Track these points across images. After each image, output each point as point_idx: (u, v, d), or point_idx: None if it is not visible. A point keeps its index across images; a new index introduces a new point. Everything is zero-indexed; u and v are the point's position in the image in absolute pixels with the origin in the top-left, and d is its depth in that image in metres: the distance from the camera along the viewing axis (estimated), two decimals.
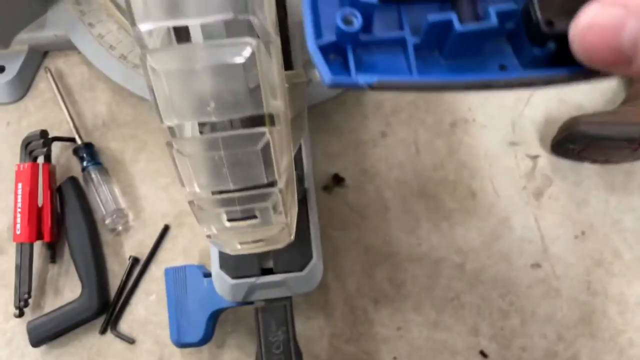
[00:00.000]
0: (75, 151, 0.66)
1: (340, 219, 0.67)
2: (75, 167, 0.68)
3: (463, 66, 0.24)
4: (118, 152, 0.68)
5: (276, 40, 0.33)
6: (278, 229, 0.36)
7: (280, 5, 0.53)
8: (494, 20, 0.22)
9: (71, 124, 0.68)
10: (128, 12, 0.25)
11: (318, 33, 0.23)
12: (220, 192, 0.33)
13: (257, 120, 0.31)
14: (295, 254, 0.55)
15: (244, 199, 0.32)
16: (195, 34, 0.30)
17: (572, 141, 0.64)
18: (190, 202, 0.32)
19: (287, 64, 0.54)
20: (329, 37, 0.23)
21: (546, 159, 0.69)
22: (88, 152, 0.66)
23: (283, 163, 0.33)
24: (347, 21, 0.22)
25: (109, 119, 0.70)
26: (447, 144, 0.70)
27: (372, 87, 0.22)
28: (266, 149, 0.29)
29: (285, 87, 0.43)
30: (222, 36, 0.30)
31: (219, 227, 0.34)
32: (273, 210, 0.34)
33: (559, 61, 0.23)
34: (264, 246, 0.39)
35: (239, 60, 0.26)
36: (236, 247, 0.37)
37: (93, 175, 0.65)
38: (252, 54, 0.26)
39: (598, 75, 0.22)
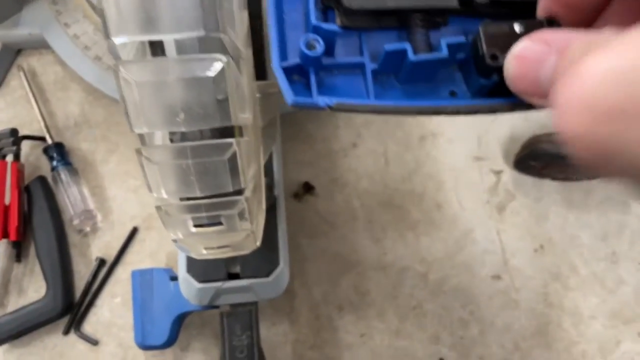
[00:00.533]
0: (45, 150, 0.66)
1: (309, 227, 0.68)
2: (45, 167, 0.67)
3: (417, 91, 0.25)
4: (89, 153, 0.68)
5: (247, 55, 0.34)
6: (244, 235, 0.37)
7: (256, 17, 0.54)
8: (444, 52, 0.24)
9: (42, 123, 0.67)
10: (102, 24, 0.26)
11: (283, 55, 0.24)
12: (188, 199, 0.34)
13: (225, 132, 0.32)
14: (262, 260, 0.56)
15: (210, 206, 0.33)
16: (170, 49, 0.31)
17: (534, 158, 0.66)
18: (158, 208, 0.33)
19: (261, 73, 0.55)
20: (294, 59, 0.24)
21: (509, 175, 0.71)
22: (58, 152, 0.66)
23: (250, 172, 0.34)
24: (310, 46, 0.23)
25: (81, 119, 0.69)
26: (415, 157, 0.72)
27: (331, 108, 0.23)
28: (233, 159, 0.30)
29: (257, 97, 0.44)
30: (195, 51, 0.31)
31: (185, 232, 0.35)
32: (239, 218, 0.35)
33: (503, 92, 0.25)
34: (230, 252, 0.40)
35: (209, 74, 0.27)
36: (201, 252, 0.38)
37: (62, 175, 0.65)
38: (222, 69, 0.27)
39: (532, 107, 0.24)
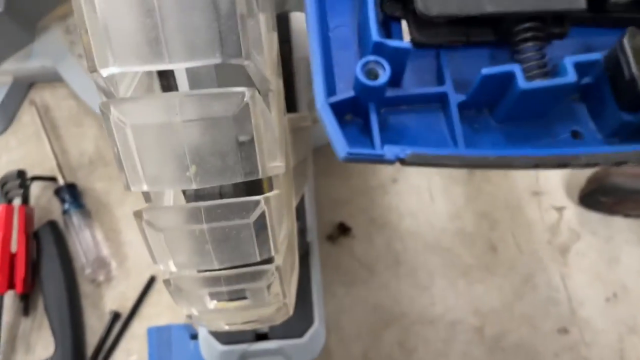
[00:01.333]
0: (57, 192, 0.61)
1: (345, 273, 0.60)
2: (56, 210, 0.62)
3: (522, 133, 0.18)
4: (103, 194, 0.62)
5: (277, 86, 0.27)
6: (274, 308, 0.30)
7: (284, 40, 0.48)
8: (571, 75, 0.16)
9: (54, 162, 0.62)
10: (86, 52, 0.20)
11: (331, 87, 0.17)
12: (204, 270, 0.26)
13: (251, 185, 0.25)
14: (295, 318, 0.49)
15: (232, 279, 0.26)
16: (181, 82, 0.25)
17: (604, 194, 0.58)
18: (166, 281, 0.26)
19: (291, 105, 0.48)
20: (345, 92, 0.17)
21: (573, 211, 0.63)
22: (70, 194, 0.60)
23: (282, 232, 0.27)
24: (370, 73, 0.16)
25: (96, 156, 0.64)
26: (464, 191, 0.64)
27: (403, 162, 0.16)
28: (261, 221, 0.23)
29: (288, 136, 0.38)
30: (213, 84, 0.24)
31: (202, 309, 0.28)
32: (268, 290, 0.27)
33: None
34: (257, 325, 0.32)
35: (228, 113, 0.20)
36: (223, 327, 0.31)
37: (74, 219, 0.59)
38: (246, 105, 0.20)
39: None
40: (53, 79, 0.65)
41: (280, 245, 0.27)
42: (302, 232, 0.50)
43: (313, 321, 0.49)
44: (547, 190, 0.63)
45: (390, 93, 0.18)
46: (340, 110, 0.17)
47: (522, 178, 0.64)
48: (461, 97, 0.18)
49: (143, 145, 0.21)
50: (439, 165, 0.16)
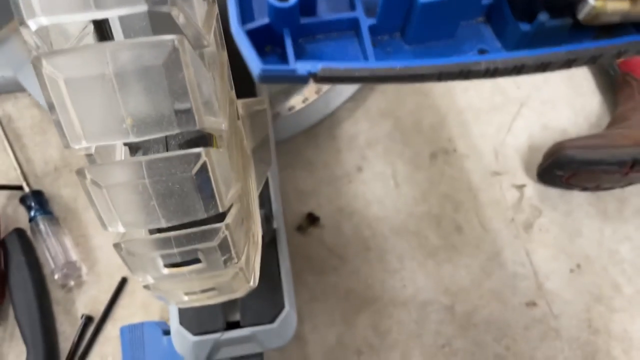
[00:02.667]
0: (22, 200, 0.60)
1: (316, 261, 0.61)
2: (23, 218, 0.61)
3: (432, 53, 0.19)
4: (70, 200, 0.62)
5: (218, 52, 0.28)
6: (231, 274, 0.31)
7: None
8: None
9: (19, 171, 0.62)
10: (13, 6, 0.20)
11: (248, 16, 0.18)
12: (153, 232, 0.27)
13: (196, 142, 0.26)
14: (265, 304, 0.49)
15: (181, 239, 0.27)
16: (117, 33, 0.26)
17: (560, 167, 0.59)
18: (116, 245, 0.26)
19: (250, 91, 0.49)
20: (261, 20, 0.18)
21: (533, 188, 0.64)
22: (36, 201, 0.60)
23: (230, 192, 0.28)
24: None
25: (61, 163, 0.64)
26: (427, 176, 0.65)
27: (315, 77, 0.17)
28: (203, 173, 0.24)
29: (241, 113, 0.39)
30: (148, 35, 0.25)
31: (156, 274, 0.28)
32: (220, 252, 0.28)
33: (551, 37, 0.19)
34: (217, 296, 0.33)
35: (157, 60, 0.21)
36: (182, 299, 0.32)
37: (41, 226, 0.59)
38: (175, 52, 0.21)
39: (595, 58, 0.18)
40: (14, 89, 0.65)
41: (229, 204, 0.28)
42: (267, 219, 0.51)
43: (284, 306, 0.49)
44: (507, 170, 0.65)
45: (304, 21, 0.19)
46: (259, 40, 0.18)
47: (482, 159, 0.66)
48: (372, 21, 0.19)
49: (78, 98, 0.21)
50: (350, 79, 0.17)
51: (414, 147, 0.67)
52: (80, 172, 0.23)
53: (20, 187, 0.62)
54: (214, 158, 0.25)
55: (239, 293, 0.35)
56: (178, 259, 0.28)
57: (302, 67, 0.17)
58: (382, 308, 0.59)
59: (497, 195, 0.64)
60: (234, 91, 0.35)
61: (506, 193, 0.64)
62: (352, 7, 0.19)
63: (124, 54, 0.20)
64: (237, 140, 0.33)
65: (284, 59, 0.18)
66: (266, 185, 0.53)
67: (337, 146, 0.66)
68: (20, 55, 0.63)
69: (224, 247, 0.28)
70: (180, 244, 0.27)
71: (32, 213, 0.59)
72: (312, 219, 0.62)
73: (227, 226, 0.27)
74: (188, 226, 0.27)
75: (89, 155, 0.25)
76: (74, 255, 0.59)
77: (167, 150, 0.26)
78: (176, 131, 0.22)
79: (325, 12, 0.19)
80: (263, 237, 0.44)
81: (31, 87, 0.63)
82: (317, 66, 0.17)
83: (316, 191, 0.64)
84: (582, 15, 0.17)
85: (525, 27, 0.18)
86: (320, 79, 0.17)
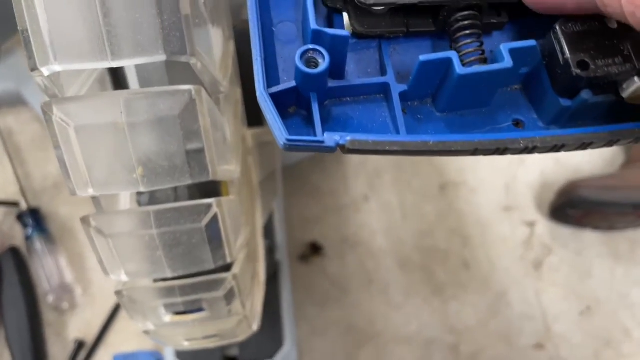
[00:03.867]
0: (20, 217, 0.59)
1: (318, 293, 0.59)
2: (19, 235, 0.60)
3: (465, 122, 0.18)
4: (67, 218, 0.61)
5: (234, 93, 0.27)
6: (235, 322, 0.29)
7: (248, 54, 0.48)
8: (507, 61, 0.16)
9: (17, 186, 0.60)
10: (27, 50, 0.19)
11: (274, 79, 0.17)
12: (157, 280, 0.26)
13: (206, 190, 0.25)
14: (265, 340, 0.48)
15: (187, 289, 0.25)
16: (132, 81, 0.24)
17: (573, 207, 0.58)
18: (118, 293, 0.25)
19: (257, 119, 0.48)
20: (287, 83, 0.17)
21: (544, 226, 0.63)
22: (33, 218, 0.58)
23: (240, 240, 0.26)
24: (309, 62, 0.16)
25: (60, 180, 0.62)
26: (436, 209, 0.64)
27: (344, 149, 0.16)
28: (213, 224, 0.23)
29: (251, 146, 0.37)
30: (164, 85, 0.24)
31: (158, 322, 0.27)
32: (226, 301, 0.26)
33: (595, 115, 0.17)
34: (219, 341, 0.31)
35: (173, 111, 0.19)
36: (182, 344, 0.30)
37: (38, 245, 0.57)
38: (191, 103, 0.19)
39: None
40: (16, 102, 0.64)
41: (238, 253, 0.26)
42: (271, 250, 0.49)
43: (283, 342, 0.48)
44: (518, 206, 0.64)
45: (332, 84, 0.17)
46: (283, 102, 0.17)
47: (493, 193, 0.64)
48: (403, 87, 0.18)
49: (88, 146, 0.20)
50: (380, 152, 0.16)
51: (423, 177, 0.65)
52: (85, 220, 0.22)
53: (17, 204, 0.60)
54: (225, 208, 0.23)
55: (241, 337, 0.33)
56: (182, 308, 0.26)
57: (330, 138, 0.16)
58: (384, 344, 0.57)
59: (506, 231, 0.63)
60: (245, 125, 0.33)
61: (516, 229, 0.63)
62: (383, 71, 0.18)
63: (139, 103, 0.19)
64: (247, 179, 0.32)
65: (309, 122, 0.17)
66: (270, 216, 0.52)
67: (345, 173, 0.65)
68: (24, 69, 0.62)
69: (230, 296, 0.27)
70: (185, 293, 0.25)
71: (29, 232, 0.58)
72: (315, 249, 0.61)
73: (234, 276, 0.26)
74: (193, 275, 0.25)
75: (93, 197, 0.24)
76: (69, 277, 0.58)
77: (175, 195, 0.24)
78: (188, 182, 0.21)
79: (354, 74, 0.18)
80: (266, 270, 0.42)
81: (34, 102, 0.61)
82: (345, 138, 0.16)
83: (321, 219, 0.63)
84: (626, 94, 0.16)
85: (566, 102, 0.17)
86: (348, 150, 0.16)
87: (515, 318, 0.59)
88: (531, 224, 0.63)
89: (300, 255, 0.61)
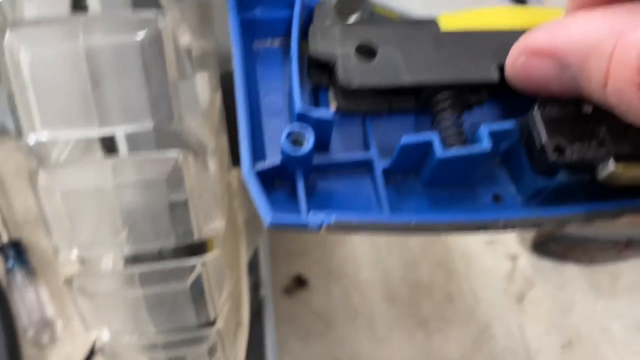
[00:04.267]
0: (0, 249, 0.58)
1: (303, 327, 0.59)
2: (0, 267, 0.59)
3: (447, 197, 0.18)
4: (49, 250, 0.60)
5: (220, 143, 0.27)
6: None
7: (231, 93, 0.48)
8: (486, 144, 0.17)
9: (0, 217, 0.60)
10: (14, 118, 0.19)
11: (259, 154, 0.17)
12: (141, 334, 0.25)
13: (192, 247, 0.25)
14: None
15: (171, 345, 0.25)
16: (122, 147, 0.24)
17: (554, 241, 0.59)
18: (100, 349, 0.25)
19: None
20: (273, 160, 0.17)
21: (526, 259, 0.64)
22: (15, 250, 0.57)
23: (223, 295, 0.26)
24: (295, 141, 0.16)
25: None
26: (420, 241, 0.64)
27: (329, 228, 0.16)
28: (198, 284, 0.23)
29: (235, 187, 0.37)
30: (152, 147, 0.24)
31: None
32: (209, 355, 0.26)
33: (571, 193, 0.18)
34: None
35: (160, 176, 0.19)
36: None
37: (18, 278, 0.56)
38: (178, 169, 0.20)
39: (620, 214, 0.17)
40: (1, 132, 0.63)
41: (222, 307, 0.26)
42: (255, 286, 0.49)
43: None
44: (501, 239, 0.64)
45: (317, 160, 0.18)
46: (269, 176, 0.17)
47: None
48: (386, 163, 0.18)
49: (73, 210, 0.20)
50: (363, 231, 0.17)
51: None
52: (67, 281, 0.22)
53: None
54: (209, 266, 0.23)
55: None
56: None
57: (315, 219, 0.16)
58: None
59: (490, 264, 0.63)
60: (231, 166, 0.33)
61: (499, 263, 0.63)
62: (367, 146, 0.18)
63: (126, 169, 0.19)
64: (232, 225, 0.32)
65: (293, 196, 0.17)
66: (255, 251, 0.52)
67: None
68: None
69: (213, 351, 0.26)
70: (168, 348, 0.25)
71: (10, 264, 0.57)
72: (300, 282, 0.61)
73: (217, 331, 0.26)
74: (176, 331, 0.25)
75: (79, 257, 0.24)
76: (49, 311, 0.57)
77: (159, 252, 0.24)
78: (173, 245, 0.21)
79: (338, 147, 0.19)
80: (250, 307, 0.42)
81: None
82: (330, 218, 0.16)
83: (305, 252, 0.63)
84: (601, 176, 0.17)
85: (543, 182, 0.17)
86: (333, 230, 0.16)
87: (499, 352, 0.59)
88: (514, 257, 0.64)
89: (285, 289, 0.60)
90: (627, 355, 0.60)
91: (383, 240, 0.64)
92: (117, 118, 0.19)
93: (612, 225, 0.56)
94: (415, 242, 0.64)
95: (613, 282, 0.63)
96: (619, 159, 0.16)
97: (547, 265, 0.63)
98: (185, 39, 0.22)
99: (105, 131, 0.19)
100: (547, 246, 0.60)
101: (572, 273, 0.63)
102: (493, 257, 0.64)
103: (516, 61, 0.17)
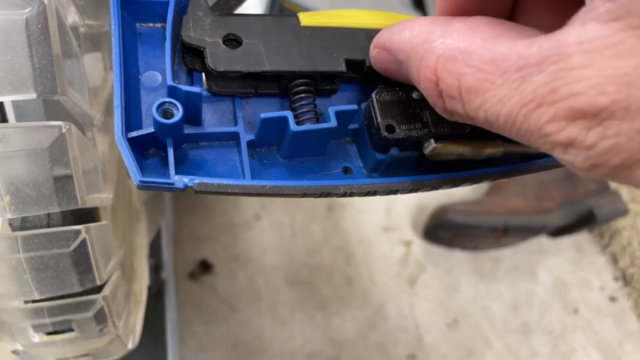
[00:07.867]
0: None
1: (207, 310, 0.61)
2: None
3: (304, 168, 0.21)
4: None
5: (110, 120, 0.28)
6: (106, 340, 0.30)
7: None
8: (333, 121, 0.20)
9: None
10: None
11: (135, 123, 0.19)
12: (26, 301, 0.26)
13: (83, 216, 0.26)
14: (147, 357, 0.48)
15: (55, 310, 0.26)
16: (10, 116, 0.25)
17: (442, 228, 0.64)
18: None
19: None
20: (146, 128, 0.19)
21: (419, 245, 0.69)
22: None
23: (111, 263, 0.28)
24: (166, 113, 0.18)
25: None
26: (323, 228, 0.68)
27: (192, 190, 0.19)
28: (81, 249, 0.24)
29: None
30: (41, 119, 0.25)
31: (26, 342, 0.27)
32: (96, 322, 0.28)
33: (404, 168, 0.21)
34: None
35: (42, 145, 0.21)
36: None
37: None
38: (62, 138, 0.21)
39: (437, 186, 0.21)
40: None
41: (109, 275, 0.28)
42: (157, 268, 0.50)
43: (167, 359, 0.48)
44: (396, 226, 0.69)
45: (189, 130, 0.20)
46: (144, 144, 0.19)
47: (375, 214, 0.69)
48: (251, 136, 0.21)
49: None
50: (225, 193, 0.19)
51: (313, 199, 0.69)
52: None
53: None
54: (94, 233, 0.25)
55: (115, 356, 0.34)
56: (50, 329, 0.27)
57: (180, 180, 0.18)
58: (270, 359, 0.60)
59: (386, 249, 0.68)
60: None
61: (394, 248, 0.68)
62: (235, 121, 0.21)
63: (10, 136, 0.20)
64: (124, 201, 0.33)
65: (166, 164, 0.19)
66: (158, 233, 0.53)
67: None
68: None
69: (100, 317, 0.28)
70: (53, 314, 0.26)
71: None
72: (205, 266, 0.62)
73: (104, 297, 0.27)
74: (64, 296, 0.26)
75: None
76: None
77: (48, 220, 0.25)
78: (56, 210, 0.22)
79: (210, 122, 0.21)
80: (150, 288, 0.43)
81: None
82: (194, 181, 0.18)
83: (212, 238, 0.64)
84: (426, 152, 0.20)
85: (380, 156, 0.21)
86: (197, 191, 0.19)
87: (392, 331, 0.64)
88: (408, 243, 0.69)
89: (190, 273, 0.62)
90: (505, 333, 0.67)
91: (288, 226, 0.67)
92: (2, 87, 0.20)
93: (491, 210, 0.63)
94: (318, 227, 0.67)
95: (494, 267, 0.70)
96: (438, 138, 0.20)
97: (437, 252, 0.69)
98: (73, 18, 0.24)
99: None
100: (436, 233, 0.66)
101: (458, 258, 0.69)
102: (389, 243, 0.68)
103: (372, 52, 0.20)
